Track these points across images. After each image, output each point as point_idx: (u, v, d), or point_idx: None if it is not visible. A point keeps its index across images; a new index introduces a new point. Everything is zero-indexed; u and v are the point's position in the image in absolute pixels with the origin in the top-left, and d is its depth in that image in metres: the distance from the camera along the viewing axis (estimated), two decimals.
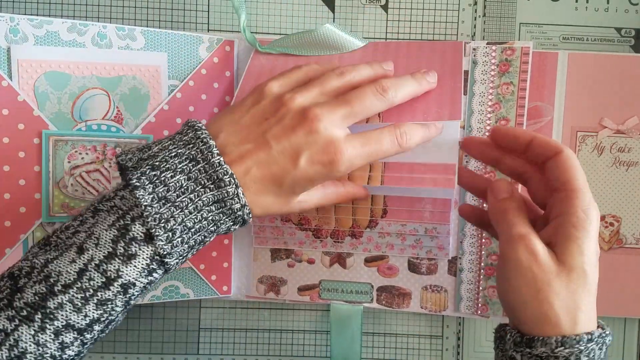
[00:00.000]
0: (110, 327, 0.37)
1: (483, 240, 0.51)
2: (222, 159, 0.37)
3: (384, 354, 0.56)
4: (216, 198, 0.36)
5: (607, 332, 0.36)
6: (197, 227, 0.36)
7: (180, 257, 0.37)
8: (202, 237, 0.37)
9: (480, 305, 0.51)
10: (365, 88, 0.41)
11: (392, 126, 0.41)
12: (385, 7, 0.53)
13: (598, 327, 0.36)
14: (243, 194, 0.37)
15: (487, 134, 0.50)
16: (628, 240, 0.52)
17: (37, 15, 0.52)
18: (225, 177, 0.36)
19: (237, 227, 0.39)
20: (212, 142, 0.37)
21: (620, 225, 0.52)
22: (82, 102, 0.48)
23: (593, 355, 0.35)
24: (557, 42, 0.53)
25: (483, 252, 0.51)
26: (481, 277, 0.51)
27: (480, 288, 0.51)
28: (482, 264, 0.51)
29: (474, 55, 0.49)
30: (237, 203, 0.37)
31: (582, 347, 0.34)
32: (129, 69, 0.48)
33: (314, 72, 0.43)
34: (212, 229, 0.38)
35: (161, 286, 0.51)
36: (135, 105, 0.49)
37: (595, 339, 0.35)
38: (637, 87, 0.51)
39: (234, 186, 0.36)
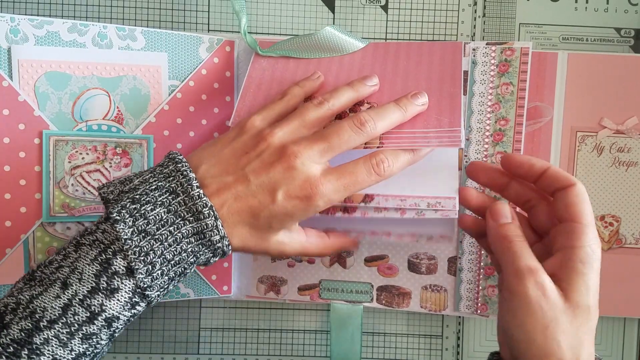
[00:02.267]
0: (96, 359, 0.38)
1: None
2: (201, 191, 0.37)
3: (384, 353, 0.56)
4: (195, 230, 0.37)
5: None
6: (177, 259, 0.37)
7: (161, 289, 0.38)
8: (182, 268, 0.38)
9: (479, 304, 0.51)
10: (343, 123, 0.41)
11: (367, 156, 0.41)
12: (385, 8, 0.53)
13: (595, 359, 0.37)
14: (222, 226, 0.37)
15: (486, 145, 0.50)
16: (628, 240, 0.52)
17: (38, 15, 0.52)
18: (204, 209, 0.37)
19: (216, 258, 0.39)
20: (192, 175, 0.38)
21: (619, 225, 0.52)
22: (82, 102, 0.48)
23: None
24: (556, 43, 0.53)
25: (482, 252, 0.51)
26: (481, 276, 0.51)
27: (480, 287, 0.51)
28: (482, 264, 0.51)
29: (474, 56, 0.49)
30: (216, 235, 0.37)
31: None
32: (129, 69, 0.49)
33: (295, 101, 0.44)
34: (192, 260, 0.38)
35: None
36: (135, 105, 0.49)
37: None
38: (636, 87, 0.51)
39: (213, 218, 0.37)
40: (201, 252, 0.38)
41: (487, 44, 0.49)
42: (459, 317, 0.55)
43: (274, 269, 0.54)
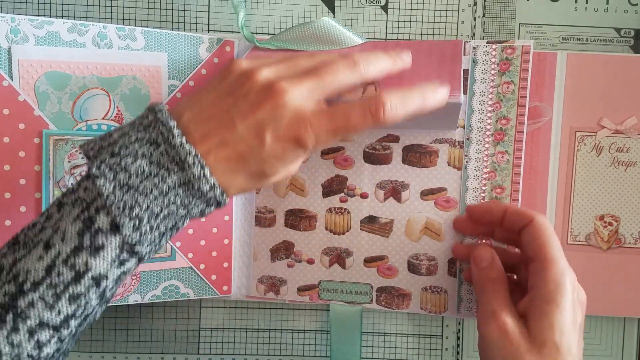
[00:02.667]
0: (88, 320, 0.37)
1: (483, 240, 0.51)
2: (184, 139, 0.35)
3: (384, 353, 0.56)
4: (182, 180, 0.35)
5: None
6: (166, 212, 0.35)
7: (153, 244, 0.36)
8: (174, 222, 0.36)
9: None
10: (336, 60, 0.39)
11: (366, 99, 0.39)
12: (385, 8, 0.54)
13: None
14: (211, 174, 0.35)
15: (487, 145, 0.50)
16: (627, 240, 0.52)
17: (38, 15, 0.52)
18: (188, 157, 0.35)
19: (211, 208, 0.37)
20: (172, 123, 0.36)
21: (619, 224, 0.52)
22: (82, 102, 0.48)
23: None
24: (556, 43, 0.53)
25: None
26: None
27: None
28: None
29: (474, 54, 0.49)
30: (205, 184, 0.35)
31: None
32: (129, 69, 0.49)
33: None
34: (183, 212, 0.36)
35: (161, 286, 0.51)
36: (135, 105, 0.49)
37: None
38: (636, 88, 0.51)
39: (199, 167, 0.35)
40: (193, 204, 0.36)
41: (487, 43, 0.49)
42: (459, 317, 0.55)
43: (273, 269, 0.54)
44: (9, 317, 0.33)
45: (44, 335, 0.34)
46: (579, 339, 0.39)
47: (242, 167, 0.37)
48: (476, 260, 0.42)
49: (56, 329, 0.34)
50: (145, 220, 0.35)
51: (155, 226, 0.35)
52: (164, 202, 0.35)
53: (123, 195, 0.34)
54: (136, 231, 0.34)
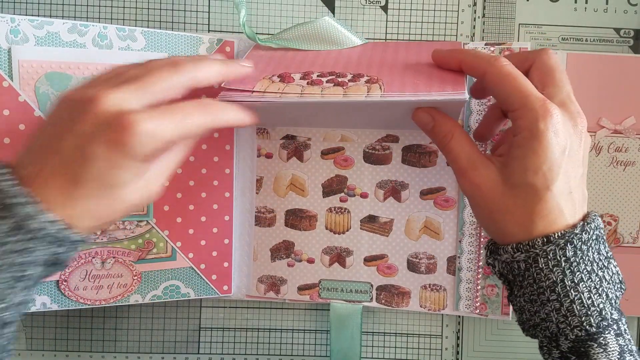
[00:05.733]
0: None
1: (482, 239, 0.51)
2: (13, 180, 0.32)
3: (384, 353, 0.56)
4: (14, 225, 0.31)
5: (572, 232, 0.36)
6: (1, 263, 0.31)
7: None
8: (14, 273, 0.32)
9: (479, 304, 0.52)
10: (160, 63, 0.38)
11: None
12: (384, 8, 0.54)
13: (568, 227, 0.37)
14: (49, 210, 0.32)
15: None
16: (625, 239, 0.52)
17: (38, 16, 0.52)
18: (19, 198, 0.31)
19: (64, 249, 0.33)
20: (2, 170, 0.33)
21: (617, 224, 0.52)
22: None
23: (555, 256, 0.36)
24: (556, 43, 0.53)
25: (482, 251, 0.51)
26: (480, 276, 0.51)
27: (479, 287, 0.51)
28: (481, 263, 0.51)
29: None
30: (42, 222, 0.32)
31: (538, 251, 0.36)
32: None
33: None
34: (25, 259, 0.32)
35: (162, 286, 0.51)
36: None
37: (555, 241, 0.36)
38: (635, 88, 0.51)
39: (32, 205, 0.31)
40: (34, 249, 0.32)
41: (485, 44, 0.50)
42: (459, 316, 0.55)
43: (273, 269, 0.54)
44: None
45: None
46: (578, 183, 0.38)
47: (81, 191, 0.33)
48: (421, 126, 0.42)
49: None
50: None
51: None
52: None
53: None
54: None
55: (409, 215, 0.52)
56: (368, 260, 0.53)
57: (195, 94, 0.38)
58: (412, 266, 0.52)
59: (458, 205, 0.51)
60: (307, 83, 0.43)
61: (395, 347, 0.56)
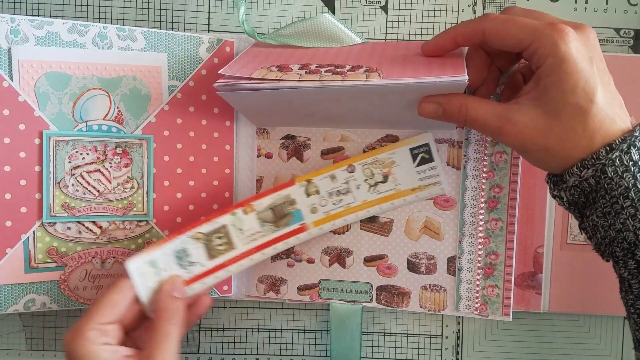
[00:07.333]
0: None
1: (482, 239, 0.51)
2: None
3: (384, 353, 0.56)
4: None
5: (632, 135, 0.36)
6: None
7: None
8: None
9: (479, 304, 0.51)
10: None
11: None
12: (385, 8, 0.54)
13: (625, 133, 0.37)
14: None
15: (486, 144, 0.50)
16: None
17: (38, 16, 0.52)
18: None
19: None
20: None
21: None
22: (82, 103, 0.48)
23: (622, 162, 0.36)
24: None
25: (482, 252, 0.51)
26: (480, 276, 0.51)
27: (479, 287, 0.51)
28: (481, 264, 0.51)
29: None
30: None
31: (604, 160, 0.36)
32: (129, 70, 0.49)
33: None
34: None
35: None
36: (135, 105, 0.49)
37: (618, 146, 0.36)
38: (635, 88, 0.51)
39: None
40: None
41: None
42: (459, 317, 0.55)
43: (273, 269, 0.54)
44: None
45: None
46: (615, 89, 0.39)
47: None
48: (432, 117, 0.42)
49: None
50: None
51: None
52: None
53: None
54: None
55: (409, 215, 0.52)
56: (368, 260, 0.53)
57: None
58: (412, 266, 0.52)
59: (458, 205, 0.51)
60: (306, 72, 0.43)
61: (395, 347, 0.56)
